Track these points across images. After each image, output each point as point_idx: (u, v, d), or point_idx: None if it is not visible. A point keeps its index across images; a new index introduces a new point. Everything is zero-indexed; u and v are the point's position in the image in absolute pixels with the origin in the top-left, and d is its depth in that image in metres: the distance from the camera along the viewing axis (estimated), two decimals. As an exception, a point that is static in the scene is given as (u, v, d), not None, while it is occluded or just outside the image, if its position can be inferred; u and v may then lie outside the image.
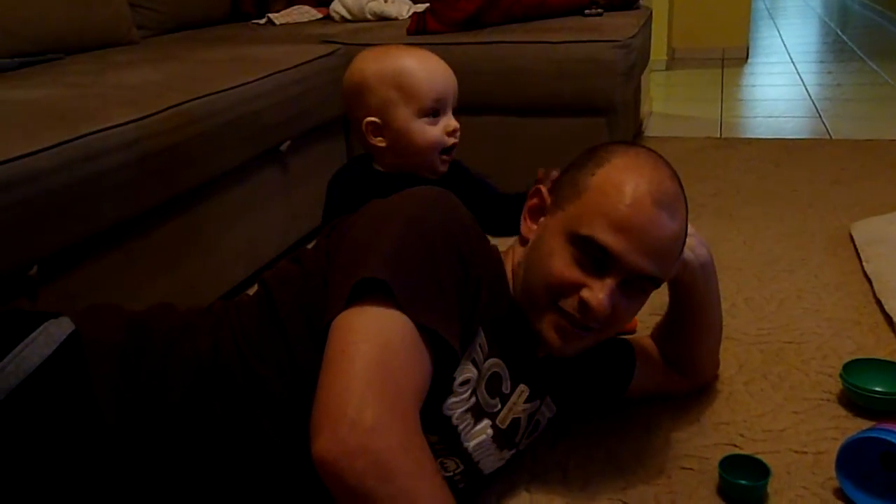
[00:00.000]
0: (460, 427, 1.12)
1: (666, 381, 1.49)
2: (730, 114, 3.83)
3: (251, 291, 1.20)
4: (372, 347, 0.93)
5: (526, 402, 1.22)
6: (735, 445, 1.37)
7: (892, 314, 1.75)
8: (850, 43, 5.81)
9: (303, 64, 2.22)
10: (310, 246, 1.20)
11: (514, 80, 2.41)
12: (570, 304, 1.11)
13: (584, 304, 1.09)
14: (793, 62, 5.12)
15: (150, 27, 2.90)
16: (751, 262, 2.10)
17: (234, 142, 1.89)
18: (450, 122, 1.38)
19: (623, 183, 1.09)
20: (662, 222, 1.09)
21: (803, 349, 1.67)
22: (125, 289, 1.61)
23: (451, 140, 1.39)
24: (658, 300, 1.39)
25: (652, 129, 3.57)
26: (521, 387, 1.21)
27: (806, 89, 4.30)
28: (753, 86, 4.55)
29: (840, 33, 6.39)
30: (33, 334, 1.00)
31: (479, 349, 1.11)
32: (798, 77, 4.63)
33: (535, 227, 1.19)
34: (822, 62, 5.15)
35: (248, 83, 1.96)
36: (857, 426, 1.39)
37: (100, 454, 0.97)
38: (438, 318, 0.99)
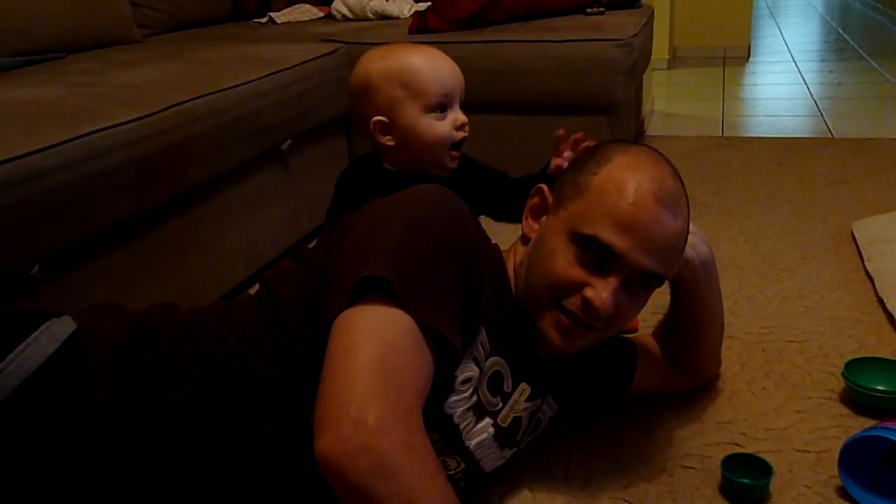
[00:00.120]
0: (462, 426, 1.12)
1: (667, 380, 1.49)
2: (731, 113, 3.83)
3: (253, 291, 1.21)
4: (374, 346, 0.93)
5: (527, 400, 1.22)
6: (737, 444, 1.37)
7: (893, 313, 1.75)
8: (851, 42, 5.80)
9: (304, 63, 2.22)
10: (311, 245, 1.20)
11: (516, 79, 2.41)
12: (572, 303, 1.11)
13: (587, 302, 1.09)
14: (794, 61, 5.12)
15: (152, 26, 2.90)
16: (752, 260, 2.10)
17: (235, 141, 1.89)
18: (458, 116, 1.38)
19: (625, 181, 1.09)
20: (665, 220, 1.09)
21: (805, 348, 1.66)
22: (127, 288, 1.61)
23: (461, 134, 1.39)
24: (659, 299, 1.39)
25: (653, 128, 3.57)
26: (523, 385, 1.21)
27: (807, 88, 4.29)
28: (755, 85, 4.55)
29: (841, 32, 6.38)
30: (35, 333, 1.00)
31: (480, 348, 1.11)
32: (799, 76, 4.63)
33: (536, 226, 1.19)
34: (823, 61, 5.14)
35: (249, 82, 1.96)
36: (859, 425, 1.39)
37: (102, 453, 0.97)
38: (440, 317, 0.98)
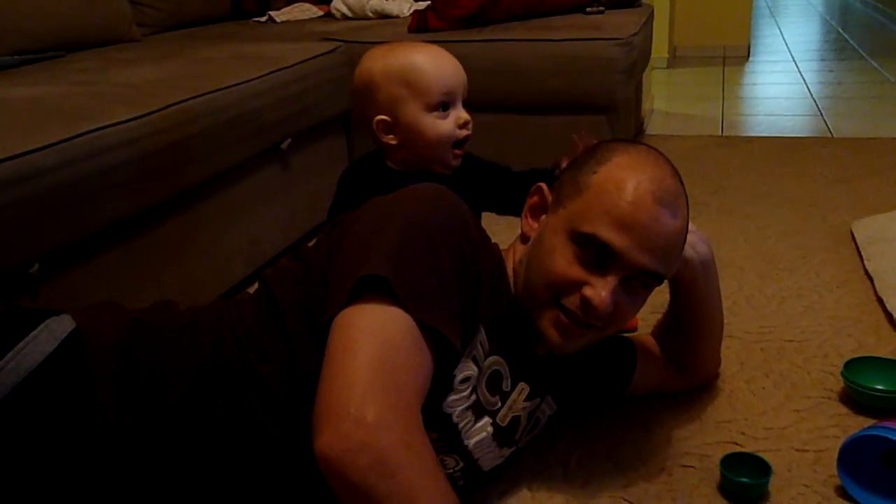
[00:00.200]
0: (461, 425, 1.12)
1: (667, 379, 1.49)
2: (731, 112, 3.83)
3: (252, 289, 1.20)
4: (373, 344, 0.93)
5: (526, 400, 1.22)
6: (736, 443, 1.37)
7: (893, 312, 1.75)
8: (851, 41, 5.80)
9: (304, 62, 2.22)
10: (311, 243, 1.20)
11: (516, 78, 2.41)
12: (571, 302, 1.11)
13: (586, 301, 1.09)
14: (794, 60, 5.11)
15: (152, 25, 2.90)
16: (752, 260, 2.10)
17: (234, 140, 1.89)
18: (460, 114, 1.38)
19: (625, 180, 1.09)
20: (664, 219, 1.09)
21: (804, 347, 1.66)
22: (126, 286, 1.61)
23: (464, 132, 1.38)
24: (659, 298, 1.38)
25: (653, 127, 3.57)
26: (522, 385, 1.21)
27: (807, 87, 4.29)
28: (755, 84, 4.55)
29: (841, 31, 6.39)
30: (34, 332, 1.00)
31: (479, 347, 1.11)
32: (799, 75, 4.63)
33: (536, 224, 1.19)
34: (823, 60, 5.14)
35: (249, 81, 1.96)
36: (858, 424, 1.39)
37: (101, 452, 0.97)
38: (439, 316, 0.99)
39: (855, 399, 1.46)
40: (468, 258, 1.06)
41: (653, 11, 3.05)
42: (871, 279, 1.93)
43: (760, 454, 1.29)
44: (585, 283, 1.09)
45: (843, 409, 1.45)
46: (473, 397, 1.13)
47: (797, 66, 4.90)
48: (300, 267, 1.12)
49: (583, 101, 2.40)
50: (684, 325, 1.43)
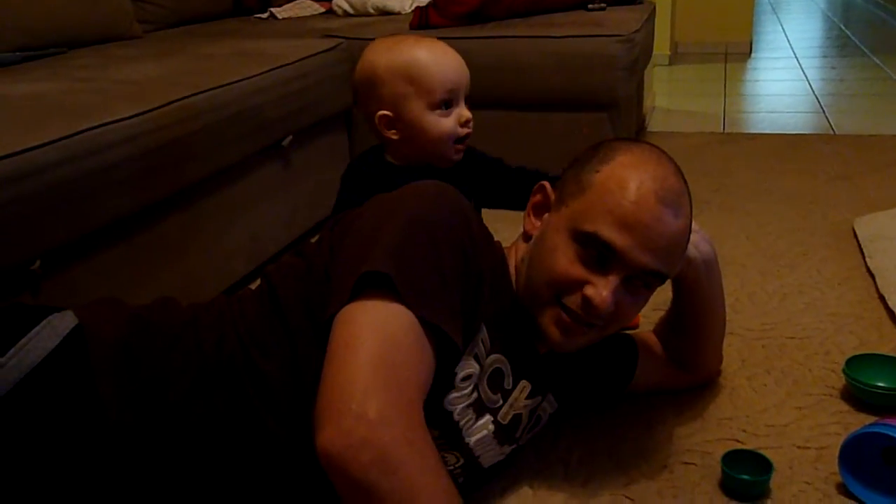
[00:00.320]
0: (462, 422, 1.12)
1: (668, 377, 1.49)
2: (733, 109, 3.83)
3: (254, 286, 1.20)
4: (376, 341, 0.93)
5: (527, 398, 1.22)
6: (738, 440, 1.37)
7: (894, 309, 1.74)
8: (853, 38, 5.80)
9: (305, 58, 2.22)
10: (313, 240, 1.20)
11: (517, 75, 2.41)
12: (573, 301, 1.10)
13: (587, 300, 1.09)
14: (796, 57, 5.11)
15: (153, 22, 2.90)
16: (754, 257, 2.10)
17: (236, 136, 1.89)
18: (462, 112, 1.38)
19: (627, 180, 1.09)
20: (667, 219, 1.09)
21: (806, 344, 1.66)
22: (128, 283, 1.61)
23: (465, 130, 1.38)
24: (660, 296, 1.38)
25: (655, 124, 3.57)
26: (523, 383, 1.21)
27: (809, 84, 4.29)
28: (756, 81, 4.54)
29: (843, 28, 6.38)
30: (36, 328, 1.00)
31: (481, 344, 1.11)
32: (801, 72, 4.63)
33: (538, 223, 1.19)
34: (825, 57, 5.14)
35: (250, 77, 1.95)
36: (859, 421, 1.39)
37: (103, 448, 0.97)
38: (441, 313, 0.98)
39: (856, 396, 1.45)
40: (470, 255, 1.06)
41: (654, 8, 3.04)
42: (872, 276, 1.93)
43: (762, 451, 1.29)
44: (587, 283, 1.09)
45: (845, 407, 1.45)
46: (475, 395, 1.13)
47: (799, 63, 4.89)
48: (302, 263, 1.12)
49: (584, 98, 2.39)
50: (686, 324, 1.42)
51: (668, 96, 4.16)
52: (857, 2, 8.09)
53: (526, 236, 1.21)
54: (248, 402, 1.02)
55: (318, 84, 2.25)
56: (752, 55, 5.22)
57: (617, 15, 2.58)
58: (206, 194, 1.85)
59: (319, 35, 2.57)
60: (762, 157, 2.98)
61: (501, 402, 1.18)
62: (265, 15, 3.21)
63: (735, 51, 5.23)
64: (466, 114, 1.38)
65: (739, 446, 1.34)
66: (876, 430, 1.20)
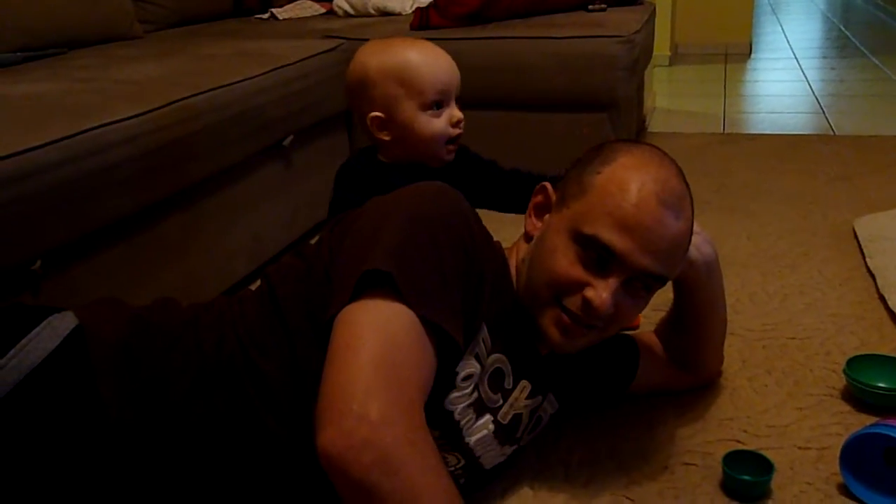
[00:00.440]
0: (462, 422, 1.12)
1: (669, 378, 1.49)
2: (733, 110, 3.83)
3: (254, 286, 1.20)
4: (377, 341, 0.93)
5: (528, 398, 1.22)
6: (738, 441, 1.37)
7: (895, 309, 1.74)
8: (853, 39, 5.80)
9: (306, 59, 2.22)
10: (313, 241, 1.20)
11: (518, 76, 2.41)
12: (572, 302, 1.10)
13: (587, 302, 1.09)
14: (796, 58, 5.11)
15: (154, 22, 2.90)
16: (754, 257, 2.10)
17: (237, 136, 1.89)
18: (454, 112, 1.38)
19: (628, 182, 1.09)
20: (668, 222, 1.09)
21: (807, 345, 1.66)
22: (128, 283, 1.61)
23: (456, 131, 1.39)
24: (661, 297, 1.38)
25: (655, 124, 3.57)
26: (523, 383, 1.21)
27: (809, 85, 4.29)
28: (756, 81, 4.55)
29: (843, 29, 6.38)
30: (37, 329, 1.00)
31: (482, 344, 1.11)
32: (801, 73, 4.63)
33: (539, 224, 1.19)
34: (825, 58, 5.14)
35: (251, 78, 1.96)
36: (860, 422, 1.39)
37: (103, 448, 0.97)
38: (442, 312, 0.98)
39: (857, 397, 1.45)
40: (470, 255, 1.06)
41: (655, 9, 3.04)
42: (873, 277, 1.93)
43: (763, 452, 1.29)
44: (587, 284, 1.09)
45: (846, 407, 1.45)
46: (475, 395, 1.13)
47: (799, 64, 4.89)
48: (302, 264, 1.12)
49: (585, 99, 2.39)
50: (687, 325, 1.42)
51: (669, 97, 4.16)
52: (857, 3, 8.09)
53: (527, 237, 1.21)
54: (248, 403, 1.02)
55: (318, 84, 2.25)
56: (752, 56, 5.23)
57: (617, 16, 2.58)
58: (206, 194, 1.85)
59: (320, 36, 2.57)
60: (762, 158, 2.98)
61: (501, 401, 1.18)
62: (266, 15, 3.21)
63: (735, 51, 5.23)
64: (458, 114, 1.39)
65: (740, 447, 1.34)
66: (877, 430, 1.20)
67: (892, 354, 1.55)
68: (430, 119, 1.36)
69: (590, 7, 2.69)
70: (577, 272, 1.09)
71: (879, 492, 1.21)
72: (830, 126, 3.44)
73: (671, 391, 1.50)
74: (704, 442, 1.38)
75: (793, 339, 1.69)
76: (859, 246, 2.11)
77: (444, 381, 1.06)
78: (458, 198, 1.10)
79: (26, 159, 1.32)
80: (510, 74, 2.41)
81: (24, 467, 0.95)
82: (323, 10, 3.26)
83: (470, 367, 1.10)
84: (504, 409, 1.19)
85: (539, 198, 1.21)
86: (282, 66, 2.09)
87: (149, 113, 1.60)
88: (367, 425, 0.86)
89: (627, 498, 1.26)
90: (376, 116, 1.37)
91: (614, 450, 1.37)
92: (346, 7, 3.11)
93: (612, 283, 1.08)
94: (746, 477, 1.24)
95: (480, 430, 1.15)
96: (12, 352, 0.96)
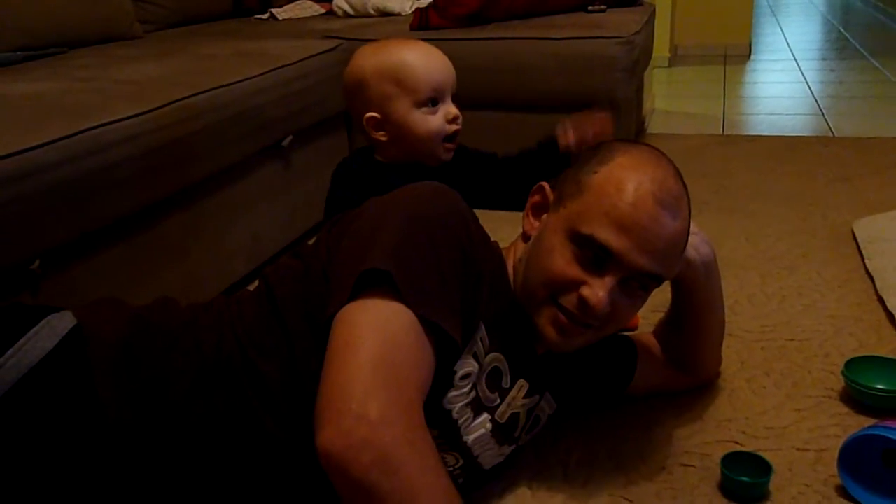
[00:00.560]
0: (460, 421, 1.13)
1: (668, 379, 1.49)
2: (732, 111, 3.83)
3: (253, 287, 1.21)
4: (376, 341, 0.93)
5: (525, 397, 1.22)
6: (737, 442, 1.37)
7: (893, 312, 1.75)
8: (852, 40, 5.80)
9: (305, 59, 2.22)
10: (311, 241, 1.20)
11: (517, 77, 2.41)
12: (569, 301, 1.10)
13: (583, 301, 1.09)
14: (795, 59, 5.11)
15: (154, 22, 2.90)
16: (753, 259, 2.10)
17: (236, 136, 1.89)
18: (449, 109, 1.39)
19: (625, 181, 1.09)
20: (664, 221, 1.09)
21: (805, 346, 1.66)
22: (128, 283, 1.61)
23: (453, 127, 1.39)
24: (660, 297, 1.39)
25: (654, 126, 3.57)
26: (521, 382, 1.21)
27: (808, 87, 4.29)
28: (756, 83, 4.55)
29: (843, 31, 6.38)
30: (35, 328, 1.00)
31: (480, 343, 1.11)
32: (801, 74, 4.63)
33: (537, 223, 1.19)
34: (824, 59, 5.14)
35: (250, 78, 1.96)
36: (859, 424, 1.39)
37: (101, 448, 0.97)
38: (441, 312, 0.99)
39: (856, 398, 1.46)
40: (468, 255, 1.06)
41: (654, 10, 3.05)
42: (871, 278, 1.93)
43: (761, 453, 1.29)
44: (583, 283, 1.09)
45: (844, 409, 1.45)
46: (473, 394, 1.13)
47: (798, 66, 4.89)
48: (300, 264, 1.13)
49: (584, 100, 2.38)
50: (685, 325, 1.43)
51: (668, 98, 4.16)
52: (857, 4, 8.09)
53: (525, 237, 1.21)
54: (247, 403, 1.02)
55: (318, 85, 2.25)
56: (752, 57, 5.23)
57: (617, 17, 2.58)
58: (206, 194, 1.85)
59: (320, 36, 2.57)
60: (761, 159, 2.98)
61: (499, 401, 1.18)
62: (265, 15, 3.21)
63: (734, 53, 5.23)
64: (454, 110, 1.39)
65: (739, 448, 1.34)
66: (875, 432, 1.20)
67: (891, 356, 1.55)
68: (425, 116, 1.36)
69: (589, 8, 2.69)
70: (574, 271, 1.09)
71: (877, 493, 1.21)
72: (830, 127, 3.45)
73: (670, 392, 1.50)
74: (703, 443, 1.38)
75: (791, 340, 1.69)
76: (858, 247, 2.11)
77: (442, 380, 1.06)
78: (456, 198, 1.11)
79: (26, 159, 1.32)
80: (509, 75, 2.41)
81: (22, 467, 0.95)
82: (322, 11, 3.26)
83: (468, 366, 1.10)
84: (502, 409, 1.19)
85: (536, 198, 1.21)
86: (281, 67, 2.09)
87: (149, 113, 1.60)
88: (366, 425, 0.86)
89: (626, 499, 1.26)
90: (372, 117, 1.38)
91: (613, 450, 1.37)
92: (346, 7, 3.11)
93: (609, 281, 1.09)
94: (745, 478, 1.24)
95: (478, 429, 1.16)
96: (10, 351, 0.96)
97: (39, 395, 0.96)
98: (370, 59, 1.38)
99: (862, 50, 5.36)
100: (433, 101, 1.37)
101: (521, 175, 1.40)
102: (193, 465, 1.01)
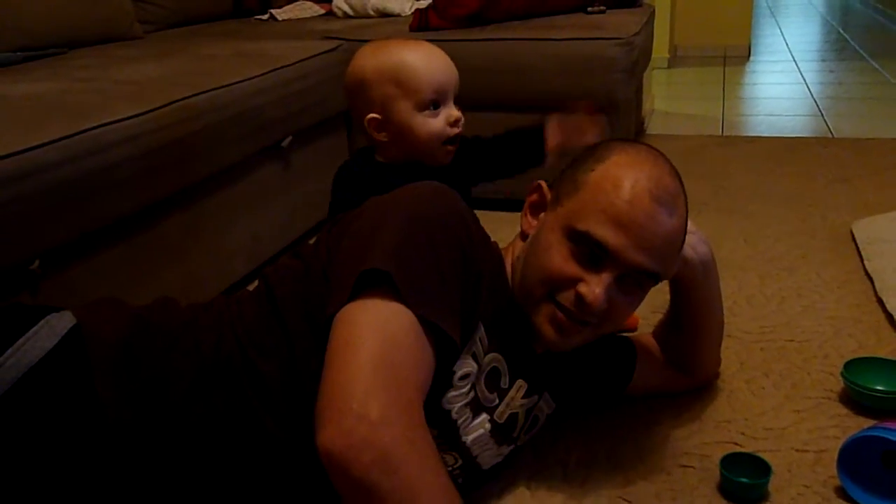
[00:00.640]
0: (459, 421, 1.13)
1: (667, 379, 1.49)
2: (731, 112, 3.83)
3: (252, 287, 1.21)
4: (376, 341, 0.93)
5: (524, 397, 1.22)
6: (736, 443, 1.38)
7: (893, 313, 1.75)
8: (851, 42, 5.80)
9: (305, 60, 2.22)
10: (311, 241, 1.20)
11: (517, 77, 2.41)
12: (566, 298, 1.11)
13: (580, 297, 1.09)
14: (795, 61, 5.11)
15: (153, 22, 2.90)
16: (752, 260, 2.10)
17: (236, 137, 1.89)
18: (451, 112, 1.38)
19: (621, 179, 1.09)
20: (660, 218, 1.09)
21: (804, 347, 1.67)
22: (127, 283, 1.61)
23: (454, 130, 1.39)
24: (659, 298, 1.39)
25: (654, 126, 3.57)
26: (520, 382, 1.21)
27: (808, 88, 4.29)
28: (755, 84, 4.55)
29: (842, 32, 6.39)
30: (35, 328, 1.00)
31: (479, 343, 1.12)
32: (800, 75, 4.63)
33: (535, 222, 1.20)
34: (823, 61, 5.14)
35: (250, 78, 1.96)
36: (858, 425, 1.39)
37: (101, 448, 0.97)
38: (441, 312, 0.99)
39: (855, 400, 1.46)
40: (468, 255, 1.06)
41: (654, 11, 3.05)
42: (871, 279, 1.93)
43: (760, 454, 1.29)
44: (580, 280, 1.09)
45: (843, 410, 1.45)
46: (472, 394, 1.13)
47: (798, 67, 4.90)
48: (300, 265, 1.13)
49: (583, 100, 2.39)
50: (684, 325, 1.43)
51: (667, 99, 4.16)
52: (856, 5, 8.10)
53: (523, 235, 1.21)
54: (247, 403, 1.02)
55: (318, 85, 2.26)
56: (751, 58, 5.23)
57: (616, 18, 2.59)
58: (206, 194, 1.86)
59: (319, 36, 2.58)
60: (761, 160, 2.98)
61: (498, 401, 1.18)
62: (265, 16, 3.21)
63: (734, 54, 5.23)
64: (456, 113, 1.38)
65: (738, 449, 1.34)
66: (874, 433, 1.20)
67: (890, 357, 1.56)
68: (426, 119, 1.36)
69: (589, 9, 2.69)
70: (571, 268, 1.10)
71: (877, 495, 1.21)
72: (829, 129, 3.45)
73: (669, 393, 1.50)
74: (702, 444, 1.38)
75: (790, 341, 1.69)
76: (857, 248, 2.11)
77: (441, 380, 1.06)
78: (456, 198, 1.11)
79: (26, 159, 1.32)
80: (509, 76, 2.41)
81: (21, 467, 0.95)
82: (322, 11, 3.26)
83: (467, 366, 1.10)
84: (500, 409, 1.19)
85: (534, 196, 1.21)
86: (281, 67, 2.10)
87: (149, 113, 1.60)
88: (366, 424, 0.86)
89: (624, 499, 1.26)
90: (373, 118, 1.37)
91: (612, 451, 1.37)
92: (346, 8, 3.11)
93: (606, 278, 1.09)
94: (744, 479, 1.24)
95: (477, 429, 1.16)
96: (9, 351, 0.96)
97: (39, 395, 0.96)
98: (371, 60, 1.38)
99: (861, 51, 5.36)
100: (435, 104, 1.36)
101: (508, 151, 1.46)
102: (193, 465, 1.01)
